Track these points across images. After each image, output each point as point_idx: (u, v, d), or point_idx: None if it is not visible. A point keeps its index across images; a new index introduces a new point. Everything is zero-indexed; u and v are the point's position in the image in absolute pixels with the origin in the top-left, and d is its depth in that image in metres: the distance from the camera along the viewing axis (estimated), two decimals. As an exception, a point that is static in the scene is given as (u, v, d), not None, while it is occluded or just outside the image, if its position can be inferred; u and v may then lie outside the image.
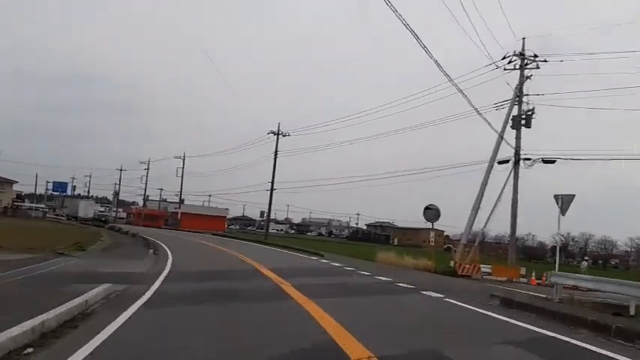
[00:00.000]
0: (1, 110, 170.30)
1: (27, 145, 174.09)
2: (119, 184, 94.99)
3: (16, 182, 79.91)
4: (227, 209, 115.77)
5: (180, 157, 70.59)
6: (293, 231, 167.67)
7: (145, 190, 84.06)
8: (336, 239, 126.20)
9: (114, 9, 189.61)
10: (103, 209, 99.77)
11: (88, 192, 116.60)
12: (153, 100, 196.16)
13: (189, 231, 62.71)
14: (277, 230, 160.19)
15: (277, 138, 46.28)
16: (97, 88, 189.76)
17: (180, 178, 74.30)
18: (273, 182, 44.36)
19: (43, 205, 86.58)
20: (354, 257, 30.11)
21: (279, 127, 45.95)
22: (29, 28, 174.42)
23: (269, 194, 45.62)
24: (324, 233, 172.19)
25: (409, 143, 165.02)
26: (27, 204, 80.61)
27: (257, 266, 19.14)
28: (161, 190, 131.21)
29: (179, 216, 72.32)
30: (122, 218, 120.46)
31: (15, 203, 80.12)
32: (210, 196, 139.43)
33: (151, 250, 23.78)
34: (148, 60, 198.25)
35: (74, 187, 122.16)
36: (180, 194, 70.04)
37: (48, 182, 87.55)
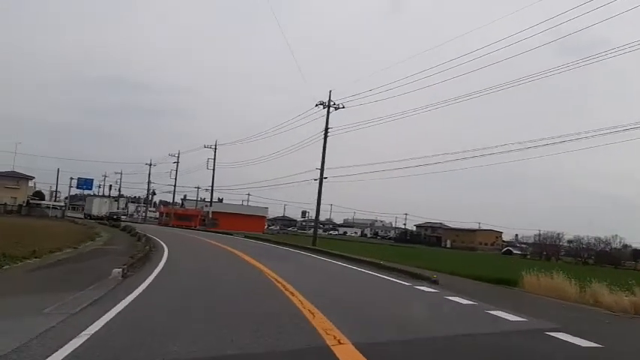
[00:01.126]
0: (46, 111, 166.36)
1: (63, 145, 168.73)
2: (149, 181, 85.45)
3: (32, 178, 71.30)
4: (266, 208, 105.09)
5: (211, 147, 59.66)
6: (336, 232, 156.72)
7: (175, 185, 74.20)
8: (385, 242, 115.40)
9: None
10: (124, 207, 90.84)
11: (119, 190, 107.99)
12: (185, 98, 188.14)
13: (222, 232, 51.77)
14: (323, 232, 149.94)
15: (328, 110, 34.45)
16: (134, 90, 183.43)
17: (210, 171, 63.09)
18: (323, 167, 32.60)
19: (61, 204, 77.77)
20: (471, 278, 17.85)
21: (330, 96, 34.09)
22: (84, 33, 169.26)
23: (318, 185, 33.83)
24: (368, 234, 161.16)
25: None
26: (45, 202, 71.85)
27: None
28: (198, 188, 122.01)
29: (210, 214, 61.22)
30: (155, 218, 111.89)
31: (31, 201, 71.37)
32: (249, 195, 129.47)
33: (119, 270, 12.21)
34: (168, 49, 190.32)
35: (106, 186, 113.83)
36: (212, 188, 59.66)
37: (72, 179, 78.58)
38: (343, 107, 34.41)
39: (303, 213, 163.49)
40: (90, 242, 25.95)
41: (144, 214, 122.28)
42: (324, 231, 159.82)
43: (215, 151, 59.50)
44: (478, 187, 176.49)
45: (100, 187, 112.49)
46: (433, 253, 49.30)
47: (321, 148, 32.77)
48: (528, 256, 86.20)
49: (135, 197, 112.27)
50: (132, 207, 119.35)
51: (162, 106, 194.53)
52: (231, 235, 45.10)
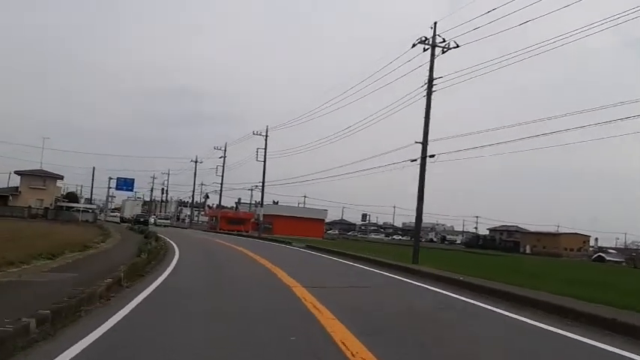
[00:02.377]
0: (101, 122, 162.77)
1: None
2: (194, 180, 75.02)
3: (61, 177, 61.92)
4: (326, 210, 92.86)
5: (261, 134, 47.82)
6: (400, 237, 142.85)
7: (222, 184, 63.06)
8: (454, 247, 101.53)
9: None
10: (175, 211, 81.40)
11: (166, 192, 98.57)
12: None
13: (276, 241, 39.75)
14: (385, 237, 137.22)
15: (432, 51, 21.63)
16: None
17: (261, 164, 51.05)
18: (426, 139, 19.83)
19: (93, 206, 68.56)
20: None
21: (435, 29, 21.39)
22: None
23: (419, 166, 20.76)
24: (434, 239, 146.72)
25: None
26: (75, 204, 62.52)
27: None
28: (251, 190, 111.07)
29: (261, 217, 49.31)
30: (202, 222, 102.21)
31: (59, 203, 62.25)
32: (305, 197, 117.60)
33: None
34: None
35: (156, 189, 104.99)
36: (263, 184, 47.19)
37: (110, 178, 69.17)
38: (457, 46, 21.61)
39: (364, 216, 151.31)
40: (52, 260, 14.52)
41: (196, 217, 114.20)
42: (385, 235, 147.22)
43: (266, 139, 47.65)
44: (554, 187, 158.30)
45: (151, 189, 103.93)
46: (529, 262, 36.08)
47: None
48: (624, 264, 71.00)
49: (184, 201, 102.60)
50: (186, 211, 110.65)
51: (219, 114, 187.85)
52: (289, 244, 32.99)
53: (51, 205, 59.97)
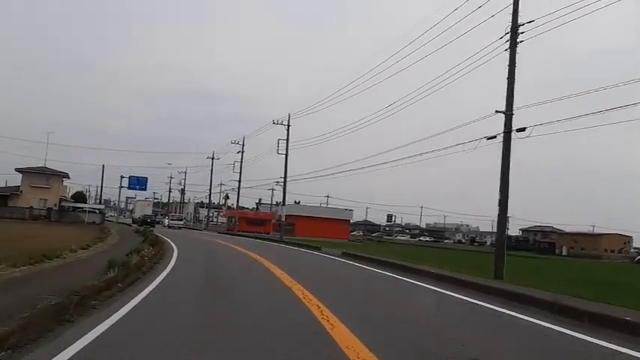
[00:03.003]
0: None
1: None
2: (211, 178, 69.39)
3: (66, 175, 56.33)
4: (351, 211, 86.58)
5: (282, 123, 41.70)
6: (427, 238, 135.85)
7: (240, 181, 57.11)
8: (484, 249, 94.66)
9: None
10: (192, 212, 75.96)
11: (183, 192, 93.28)
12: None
13: (301, 244, 33.50)
14: (411, 238, 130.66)
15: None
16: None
17: (281, 157, 44.39)
18: (510, 101, 13.27)
19: (101, 206, 63.29)
20: None
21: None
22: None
23: (502, 142, 14.36)
24: (463, 241, 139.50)
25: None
26: (81, 204, 57.23)
27: None
28: (272, 190, 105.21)
29: (283, 217, 43.12)
30: (222, 224, 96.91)
31: (63, 203, 57.08)
32: (327, 197, 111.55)
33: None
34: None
35: (174, 189, 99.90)
36: (285, 180, 41.09)
37: (122, 177, 63.87)
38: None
39: (389, 217, 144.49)
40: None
41: (215, 219, 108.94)
42: (411, 237, 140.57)
43: (288, 129, 41.54)
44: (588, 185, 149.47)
45: (169, 190, 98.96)
46: (579, 266, 29.52)
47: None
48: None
49: (202, 202, 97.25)
50: (205, 212, 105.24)
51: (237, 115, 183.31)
52: (318, 250, 26.61)
53: (55, 205, 54.86)
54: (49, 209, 53.63)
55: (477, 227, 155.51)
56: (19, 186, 55.11)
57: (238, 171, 57.27)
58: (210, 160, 69.21)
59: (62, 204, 56.87)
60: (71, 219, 53.12)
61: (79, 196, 61.41)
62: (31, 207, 52.99)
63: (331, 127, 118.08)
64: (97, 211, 56.75)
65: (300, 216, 76.82)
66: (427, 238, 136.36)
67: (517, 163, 16.16)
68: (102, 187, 61.43)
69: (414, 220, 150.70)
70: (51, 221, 51.63)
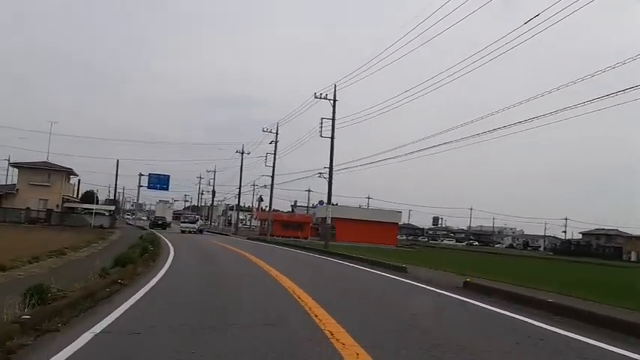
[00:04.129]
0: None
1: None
2: (241, 175, 59.55)
3: (70, 170, 47.03)
4: (399, 212, 75.85)
5: (326, 98, 31.32)
6: (475, 242, 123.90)
7: (273, 176, 46.69)
8: (537, 254, 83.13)
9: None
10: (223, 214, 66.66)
11: (213, 194, 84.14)
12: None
13: (346, 257, 23.18)
14: (458, 243, 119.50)
15: None
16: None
17: (324, 144, 33.62)
18: None
19: (110, 207, 54.26)
20: None
21: None
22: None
23: None
24: (514, 245, 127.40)
25: None
26: (91, 205, 48.14)
27: None
28: (309, 191, 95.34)
29: (329, 219, 32.59)
30: (254, 227, 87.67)
31: (67, 204, 48.28)
32: (369, 198, 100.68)
33: None
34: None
35: (205, 191, 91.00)
36: (331, 171, 30.68)
37: (141, 175, 54.95)
38: None
39: (435, 219, 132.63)
40: None
41: (248, 222, 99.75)
42: (457, 241, 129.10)
43: (334, 105, 31.24)
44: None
45: (199, 193, 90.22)
46: None
47: None
48: None
49: (231, 205, 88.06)
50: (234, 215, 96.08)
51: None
52: (402, 273, 15.85)
53: (57, 206, 46.18)
54: (49, 211, 44.93)
55: (522, 230, 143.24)
56: (14, 184, 46.68)
57: (271, 164, 47.32)
58: (240, 154, 59.51)
59: (66, 204, 48.17)
60: (75, 222, 44.43)
61: (89, 197, 52.74)
62: (28, 208, 44.36)
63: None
64: (107, 213, 47.70)
65: (341, 218, 66.34)
66: (475, 243, 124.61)
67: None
68: (116, 184, 52.85)
69: (457, 223, 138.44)
70: (50, 225, 43.00)
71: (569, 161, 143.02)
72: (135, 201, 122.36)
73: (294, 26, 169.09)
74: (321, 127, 31.91)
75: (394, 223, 73.08)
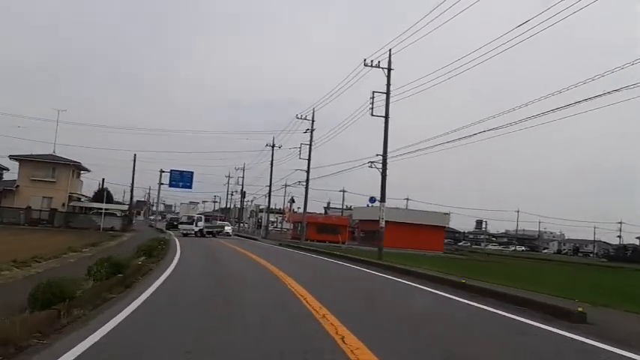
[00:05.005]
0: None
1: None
2: (271, 171, 52.33)
3: (76, 164, 40.59)
4: (447, 214, 67.61)
5: (379, 66, 23.99)
6: (522, 248, 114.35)
7: (308, 170, 38.99)
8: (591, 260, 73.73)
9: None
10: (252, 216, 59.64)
11: (242, 194, 77.58)
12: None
13: (414, 276, 15.73)
14: (503, 248, 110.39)
15: None
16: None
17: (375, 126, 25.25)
18: None
19: (123, 206, 47.79)
20: None
21: None
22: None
23: None
24: (564, 250, 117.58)
25: None
26: (97, 205, 41.66)
27: None
28: (343, 192, 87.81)
29: (382, 221, 24.95)
30: (286, 230, 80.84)
31: (73, 203, 42.03)
32: (407, 199, 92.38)
33: None
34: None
35: (233, 189, 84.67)
36: (385, 159, 23.16)
37: (162, 171, 48.61)
38: None
39: (479, 222, 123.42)
40: None
41: (279, 224, 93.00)
42: (499, 245, 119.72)
43: (389, 74, 23.78)
44: None
45: (228, 194, 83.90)
46: None
47: None
48: None
49: (261, 208, 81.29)
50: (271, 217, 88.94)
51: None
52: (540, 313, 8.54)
53: (63, 205, 40.02)
54: (53, 211, 38.76)
55: (563, 234, 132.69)
56: (15, 180, 40.71)
57: (306, 157, 39.95)
58: (270, 148, 52.42)
59: (73, 204, 41.98)
60: (81, 223, 38.25)
61: (100, 196, 46.22)
62: (28, 207, 38.31)
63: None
64: (119, 214, 41.22)
65: (385, 221, 59.04)
66: (522, 248, 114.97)
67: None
68: (133, 181, 46.15)
69: (495, 227, 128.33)
70: (53, 227, 36.88)
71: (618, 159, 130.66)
72: (165, 202, 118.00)
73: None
74: (372, 102, 24.48)
75: (441, 226, 64.99)
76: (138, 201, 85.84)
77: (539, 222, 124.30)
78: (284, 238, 57.94)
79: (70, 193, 41.07)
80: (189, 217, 43.92)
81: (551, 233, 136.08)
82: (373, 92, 24.91)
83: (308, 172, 40.07)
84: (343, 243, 57.87)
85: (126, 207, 47.42)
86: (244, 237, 51.65)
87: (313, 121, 39.39)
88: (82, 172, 44.35)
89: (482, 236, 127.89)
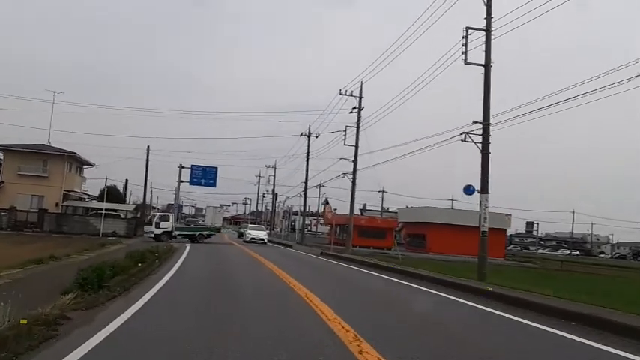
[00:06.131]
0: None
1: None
2: (307, 162, 43.55)
3: (72, 154, 32.81)
4: (508, 215, 58.09)
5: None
6: (577, 252, 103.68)
7: (356, 157, 30.07)
8: None
9: None
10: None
11: (274, 196, 69.63)
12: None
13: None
14: (558, 253, 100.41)
15: None
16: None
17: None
18: None
19: (130, 206, 39.67)
20: None
21: None
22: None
23: None
24: (625, 254, 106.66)
25: None
26: (97, 205, 33.73)
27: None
28: (382, 192, 78.69)
29: (484, 224, 16.55)
30: (321, 234, 72.83)
31: (67, 202, 34.42)
32: (452, 200, 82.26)
33: None
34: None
35: (263, 189, 76.88)
36: (487, 124, 14.51)
37: (182, 167, 40.80)
38: None
39: (529, 224, 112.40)
40: None
41: (314, 227, 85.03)
42: (553, 249, 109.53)
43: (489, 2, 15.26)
44: None
45: (259, 195, 76.11)
46: None
47: None
48: None
49: (294, 211, 73.20)
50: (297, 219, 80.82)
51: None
52: None
53: (57, 205, 32.63)
54: (42, 212, 31.29)
55: (607, 237, 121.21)
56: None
57: (352, 143, 31.22)
58: (306, 137, 43.94)
59: (66, 203, 34.45)
60: (76, 227, 30.65)
61: (111, 194, 38.49)
62: (12, 208, 30.94)
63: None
64: (124, 215, 33.27)
65: (433, 223, 50.42)
66: (576, 252, 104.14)
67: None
68: (146, 178, 38.20)
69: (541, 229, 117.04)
70: (42, 231, 29.41)
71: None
72: (195, 204, 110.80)
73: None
74: (465, 42, 15.81)
75: (502, 230, 55.62)
76: (169, 204, 78.60)
77: (592, 224, 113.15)
78: (321, 243, 49.68)
79: (65, 190, 33.69)
80: (154, 217, 32.84)
81: (595, 236, 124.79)
82: (466, 28, 16.21)
83: (355, 161, 31.45)
84: (389, 249, 49.64)
85: (128, 207, 39.24)
86: (277, 243, 43.38)
87: (361, 97, 30.77)
88: (84, 166, 36.90)
89: (528, 239, 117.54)
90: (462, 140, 17.10)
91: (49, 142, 34.03)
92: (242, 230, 45.53)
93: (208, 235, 32.64)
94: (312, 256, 25.53)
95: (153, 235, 29.47)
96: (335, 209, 61.85)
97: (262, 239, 37.27)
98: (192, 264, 16.01)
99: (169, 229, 30.62)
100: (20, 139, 34.64)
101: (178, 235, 30.88)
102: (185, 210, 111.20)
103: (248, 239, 36.97)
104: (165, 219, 31.31)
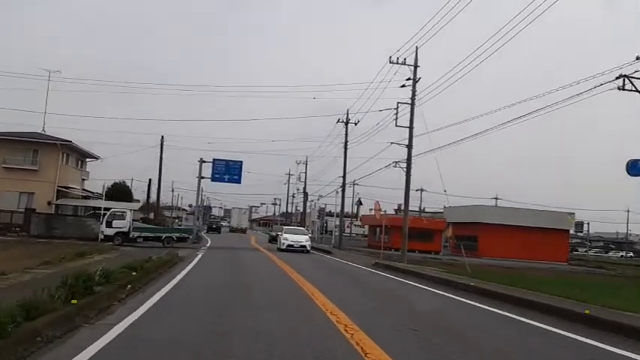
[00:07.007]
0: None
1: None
2: (345, 151, 36.88)
3: (67, 142, 26.83)
4: (572, 215, 50.89)
5: None
6: (631, 254, 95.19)
7: (411, 139, 23.62)
8: None
9: None
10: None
11: (305, 195, 63.26)
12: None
13: None
14: (611, 255, 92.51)
15: None
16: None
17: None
18: None
19: (134, 205, 33.65)
20: None
21: None
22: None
23: None
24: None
25: None
26: (94, 203, 28.10)
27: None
28: (421, 191, 71.42)
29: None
30: (356, 235, 66.53)
31: (62, 200, 28.75)
32: (496, 198, 73.91)
33: None
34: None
35: (294, 186, 70.89)
36: None
37: (203, 161, 34.82)
38: None
39: (578, 225, 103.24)
40: None
41: (347, 228, 78.44)
42: (602, 250, 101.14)
43: None
44: None
45: (289, 194, 69.94)
46: None
47: None
48: None
49: (323, 208, 66.66)
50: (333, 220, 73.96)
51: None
52: None
53: (49, 203, 27.09)
54: (29, 212, 25.67)
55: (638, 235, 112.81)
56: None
57: (405, 124, 24.49)
58: (344, 125, 37.42)
59: (60, 201, 28.80)
60: (70, 230, 24.87)
61: (120, 191, 32.78)
62: (-7, 208, 25.39)
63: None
64: (126, 214, 27.31)
65: (486, 224, 43.80)
66: (630, 254, 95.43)
67: None
68: (160, 174, 32.59)
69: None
70: (29, 235, 23.75)
71: None
72: (224, 205, 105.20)
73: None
74: None
75: (565, 230, 48.48)
76: (206, 206, 72.87)
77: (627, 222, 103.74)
78: (360, 247, 43.22)
79: (60, 186, 28.07)
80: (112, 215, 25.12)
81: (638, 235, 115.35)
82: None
83: (410, 145, 24.71)
84: (437, 253, 43.20)
85: (133, 205, 32.81)
86: (313, 248, 36.68)
87: (416, 66, 24.02)
88: (87, 159, 31.26)
89: (573, 240, 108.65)
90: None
91: (43, 130, 28.53)
92: (275, 233, 36.44)
93: (180, 239, 25.31)
94: (364, 269, 18.93)
95: (103, 237, 23.97)
96: (370, 209, 55.17)
97: (304, 246, 28.03)
98: (195, 283, 9.63)
99: (125, 229, 24.54)
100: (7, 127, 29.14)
101: (138, 237, 24.22)
102: (214, 211, 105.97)
103: (284, 246, 27.97)
104: (119, 217, 24.70)
